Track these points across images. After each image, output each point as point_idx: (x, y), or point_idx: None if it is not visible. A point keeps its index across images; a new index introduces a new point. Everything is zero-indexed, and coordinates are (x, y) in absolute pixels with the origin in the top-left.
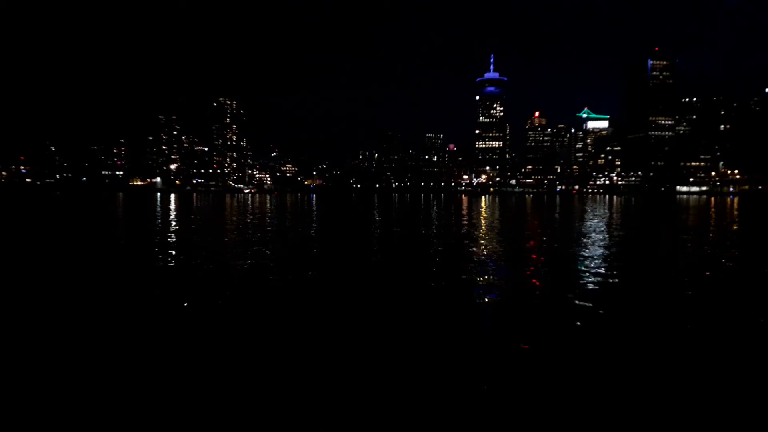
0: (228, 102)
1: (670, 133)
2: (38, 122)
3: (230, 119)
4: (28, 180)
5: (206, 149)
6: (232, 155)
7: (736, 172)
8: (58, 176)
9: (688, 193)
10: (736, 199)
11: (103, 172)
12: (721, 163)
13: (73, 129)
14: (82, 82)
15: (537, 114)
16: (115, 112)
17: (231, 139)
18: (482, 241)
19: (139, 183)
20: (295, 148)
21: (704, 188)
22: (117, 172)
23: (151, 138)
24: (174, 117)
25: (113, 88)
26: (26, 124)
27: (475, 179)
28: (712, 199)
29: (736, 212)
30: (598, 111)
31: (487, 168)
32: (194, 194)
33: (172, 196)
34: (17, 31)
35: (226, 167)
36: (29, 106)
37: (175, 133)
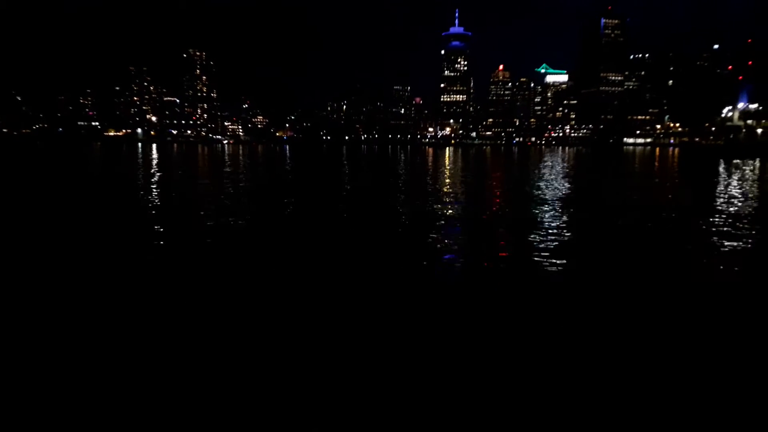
0: (198, 53)
1: (620, 89)
2: (3, 72)
3: (200, 70)
4: (5, 130)
5: (177, 100)
6: (203, 106)
7: (677, 125)
8: (35, 126)
9: (634, 144)
10: (676, 150)
11: (79, 123)
12: (667, 116)
13: (38, 79)
14: (45, 32)
15: (501, 67)
16: (80, 63)
17: (201, 91)
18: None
19: (113, 133)
20: (266, 99)
21: (648, 140)
22: (93, 123)
23: (118, 88)
24: (144, 68)
25: (77, 38)
26: None
27: (440, 132)
28: (657, 149)
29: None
30: (562, 67)
31: (451, 121)
32: (174, 145)
33: (154, 146)
34: None
35: (198, 119)
36: None
37: (145, 84)
